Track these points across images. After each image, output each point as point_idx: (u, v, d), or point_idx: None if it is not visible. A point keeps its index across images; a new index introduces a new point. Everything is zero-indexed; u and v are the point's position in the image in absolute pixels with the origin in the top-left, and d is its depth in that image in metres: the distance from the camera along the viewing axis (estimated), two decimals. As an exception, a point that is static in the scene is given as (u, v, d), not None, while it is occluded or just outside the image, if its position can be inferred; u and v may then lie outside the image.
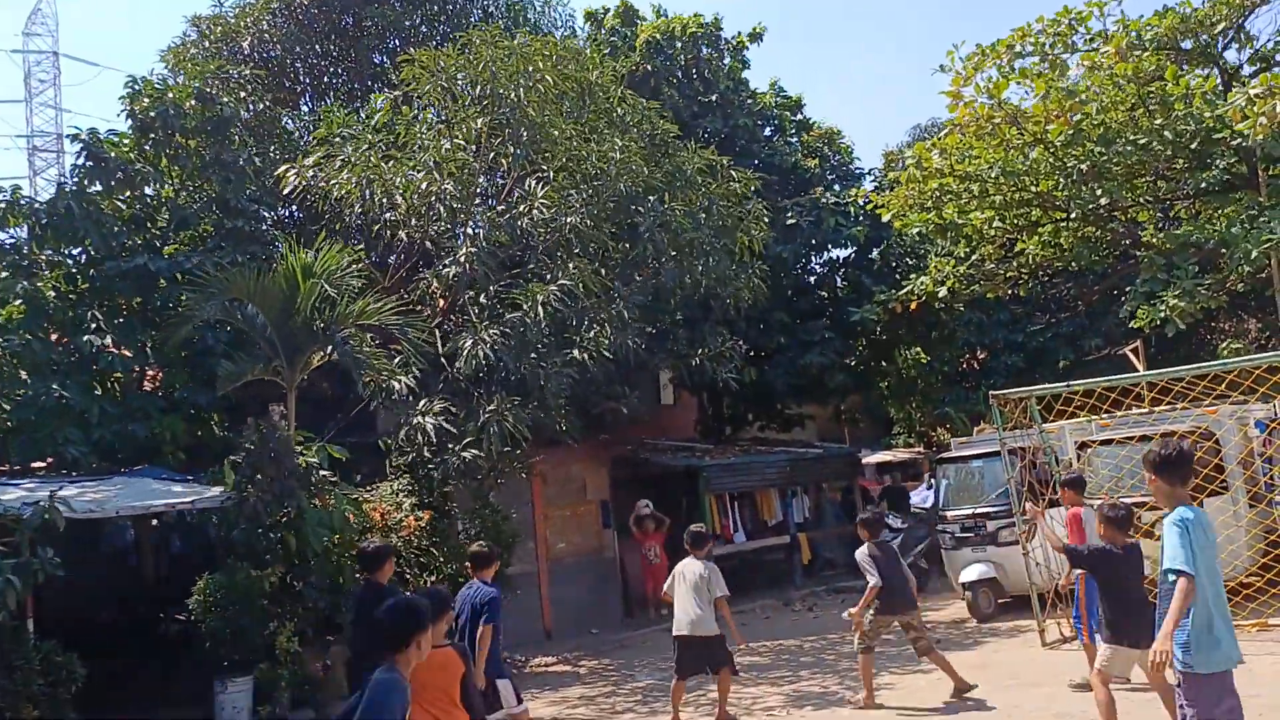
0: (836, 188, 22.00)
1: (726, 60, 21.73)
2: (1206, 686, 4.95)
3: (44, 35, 34.96)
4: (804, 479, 19.84)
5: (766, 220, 17.26)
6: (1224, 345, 18.70)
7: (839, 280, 22.39)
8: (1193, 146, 16.01)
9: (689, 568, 9.23)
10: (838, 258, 22.33)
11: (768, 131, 22.35)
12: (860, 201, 19.83)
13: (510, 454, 12.73)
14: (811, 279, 22.35)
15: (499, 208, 13.21)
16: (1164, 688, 6.52)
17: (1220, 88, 16.41)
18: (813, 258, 21.95)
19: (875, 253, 21.79)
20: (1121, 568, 7.07)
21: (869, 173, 23.05)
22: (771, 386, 20.63)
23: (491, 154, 13.04)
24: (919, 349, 23.41)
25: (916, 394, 23.97)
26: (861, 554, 9.57)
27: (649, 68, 20.30)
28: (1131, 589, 7.11)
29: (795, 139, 22.45)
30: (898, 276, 20.05)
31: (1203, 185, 16.81)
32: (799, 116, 22.76)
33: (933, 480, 17.42)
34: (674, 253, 14.62)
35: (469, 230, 12.35)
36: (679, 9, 21.94)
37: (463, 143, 13.05)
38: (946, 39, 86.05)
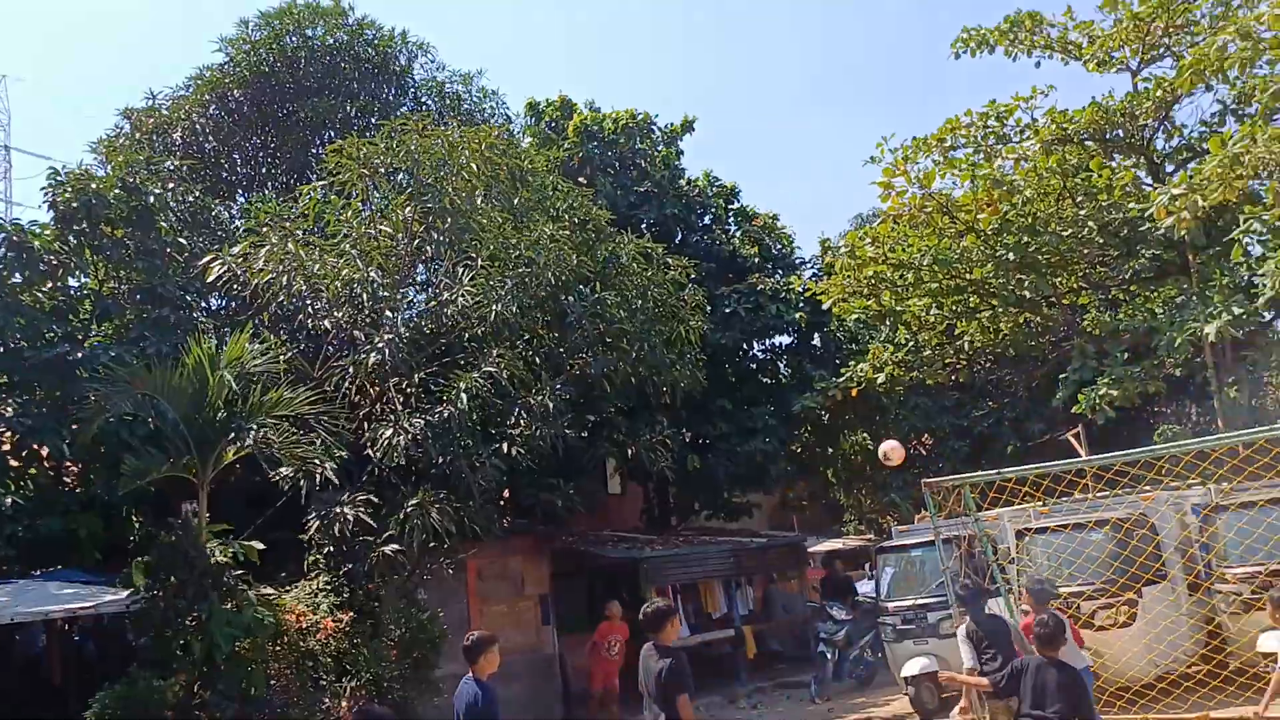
0: (777, 275, 22.09)
1: (660, 149, 21.95)
2: None
3: (-4, 128, 34.66)
4: (749, 569, 19.46)
5: (705, 308, 17.27)
6: (1160, 430, 18.73)
7: (781, 367, 22.36)
8: (1122, 234, 16.30)
9: (647, 659, 7.69)
10: (779, 344, 22.34)
11: (706, 220, 22.51)
12: (800, 288, 19.90)
13: (437, 549, 12.35)
14: (753, 366, 22.28)
15: (424, 296, 13.04)
16: None
17: (1143, 178, 16.79)
18: (754, 345, 21.94)
19: (816, 339, 21.82)
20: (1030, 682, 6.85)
21: (809, 260, 23.21)
22: (715, 475, 20.38)
23: (417, 241, 12.88)
24: (865, 435, 23.32)
25: (864, 480, 23.79)
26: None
27: (582, 155, 20.45)
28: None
29: (734, 227, 22.61)
30: (838, 363, 20.03)
31: (1134, 272, 17.07)
32: (736, 205, 22.96)
33: (873, 570, 17.16)
34: (609, 340, 14.49)
35: (391, 317, 12.13)
36: (618, 103, 22.10)
37: (390, 230, 12.91)
38: (891, 127, 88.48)
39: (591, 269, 14.38)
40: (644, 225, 20.86)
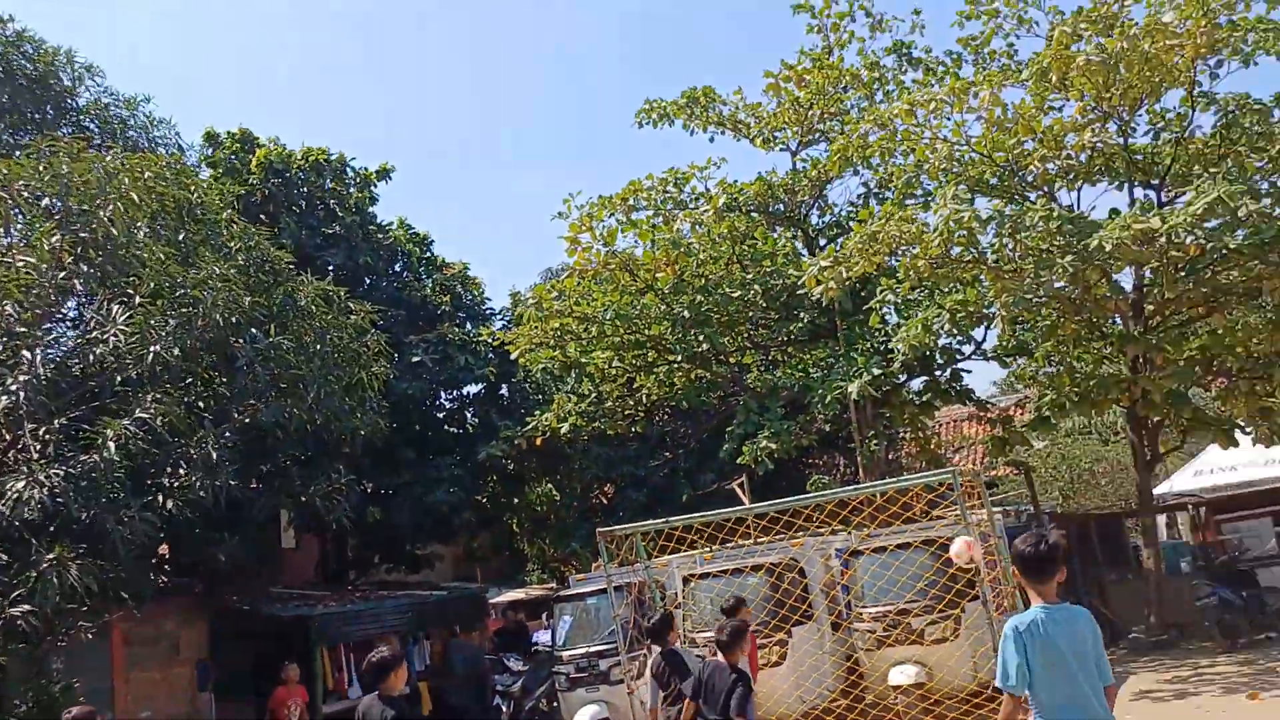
0: (468, 325, 22.07)
1: (353, 192, 21.43)
2: None
3: None
4: (428, 623, 19.04)
5: (389, 355, 16.90)
6: (812, 480, 20.38)
7: (469, 416, 22.27)
8: (782, 300, 17.69)
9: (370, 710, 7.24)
10: (467, 394, 22.25)
11: (397, 267, 22.16)
12: (489, 339, 19.99)
13: (75, 611, 11.15)
14: (440, 415, 22.04)
15: (74, 333, 11.89)
16: None
17: (801, 249, 18.39)
18: (441, 394, 21.73)
19: (505, 389, 21.95)
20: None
21: (500, 311, 23.40)
22: (397, 526, 19.88)
23: (65, 274, 11.74)
24: (550, 485, 23.65)
25: (548, 530, 24.08)
26: None
27: (266, 193, 19.58)
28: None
29: (425, 276, 22.39)
30: (524, 413, 20.24)
31: (793, 334, 18.57)
32: (428, 254, 22.76)
33: (550, 620, 17.36)
34: (283, 386, 13.81)
35: (28, 356, 10.91)
36: (309, 142, 21.34)
37: (34, 261, 11.68)
38: (584, 185, 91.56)
39: (267, 311, 13.68)
40: (330, 268, 20.20)
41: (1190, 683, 12.28)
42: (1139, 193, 15.74)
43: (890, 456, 21.68)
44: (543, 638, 18.81)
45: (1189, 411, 14.67)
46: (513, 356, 18.74)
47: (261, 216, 19.10)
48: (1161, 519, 21.29)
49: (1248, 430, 15.05)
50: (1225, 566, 15.19)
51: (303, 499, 14.96)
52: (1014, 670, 4.31)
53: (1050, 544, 4.48)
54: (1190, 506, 18.84)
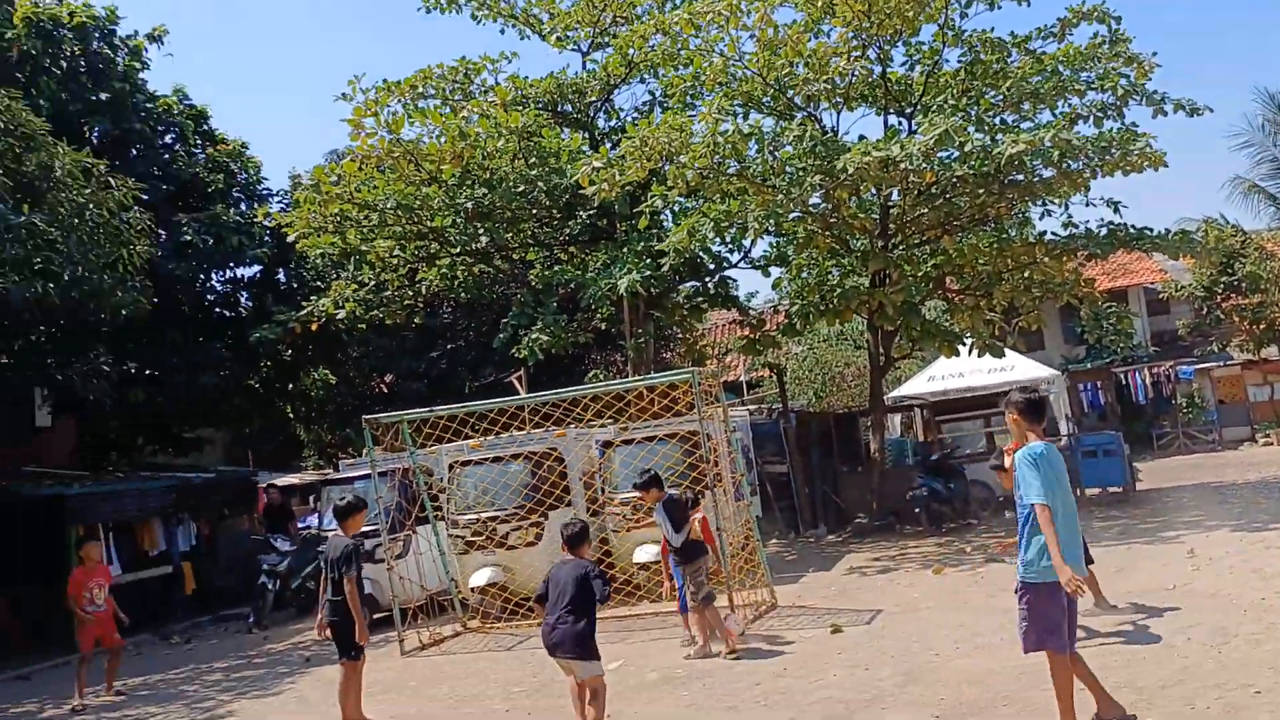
0: (243, 205, 21.44)
1: (122, 58, 20.16)
2: (1051, 594, 5.47)
3: None
4: (194, 506, 18.91)
5: (157, 233, 16.37)
6: (590, 374, 21.28)
7: (243, 300, 21.80)
8: (565, 199, 18.13)
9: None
10: (241, 277, 21.74)
11: (169, 139, 21.14)
12: (265, 221, 19.52)
13: None
14: (211, 298, 21.47)
15: None
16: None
17: (587, 151, 18.81)
18: (213, 276, 21.14)
19: (282, 274, 21.57)
20: None
21: (278, 193, 22.79)
22: (163, 409, 19.46)
23: None
24: (326, 372, 23.57)
25: (324, 417, 24.08)
26: None
27: (24, 49, 18.20)
28: None
29: (200, 151, 21.48)
30: (300, 299, 20.01)
31: (573, 233, 19.11)
32: (204, 128, 21.80)
33: (317, 503, 17.64)
34: (38, 262, 13.25)
35: None
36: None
37: None
38: (364, 67, 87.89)
39: (19, 184, 13.01)
40: (94, 137, 19.11)
41: (895, 560, 13.98)
42: (893, 119, 17.04)
43: (665, 355, 22.87)
44: (311, 520, 19.06)
45: (919, 323, 16.25)
46: (289, 239, 18.42)
47: (18, 76, 17.78)
48: (897, 418, 23.51)
49: (968, 341, 16.82)
50: (937, 462, 17.13)
51: (58, 378, 14.53)
52: (1042, 485, 5.48)
53: (1040, 395, 6.11)
54: (916, 408, 20.92)
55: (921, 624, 9.49)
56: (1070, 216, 16.71)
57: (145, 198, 16.13)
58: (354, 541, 8.37)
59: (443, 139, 17.57)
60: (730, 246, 18.91)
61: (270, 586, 15.84)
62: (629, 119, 20.37)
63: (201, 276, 20.50)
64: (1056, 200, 16.09)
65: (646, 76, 18.99)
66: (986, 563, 12.73)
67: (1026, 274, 16.59)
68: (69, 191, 13.79)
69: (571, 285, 17.17)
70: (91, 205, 13.95)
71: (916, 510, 16.26)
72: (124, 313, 14.56)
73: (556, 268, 18.22)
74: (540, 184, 17.94)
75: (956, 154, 14.05)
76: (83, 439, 20.58)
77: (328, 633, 8.34)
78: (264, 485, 20.26)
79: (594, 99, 19.68)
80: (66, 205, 13.65)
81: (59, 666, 13.82)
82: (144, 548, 17.57)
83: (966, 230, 17.02)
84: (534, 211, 18.69)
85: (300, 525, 18.96)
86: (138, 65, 20.49)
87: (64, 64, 19.27)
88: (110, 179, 14.52)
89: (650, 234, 16.62)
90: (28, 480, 16.75)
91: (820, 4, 15.08)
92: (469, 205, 17.57)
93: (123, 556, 16.88)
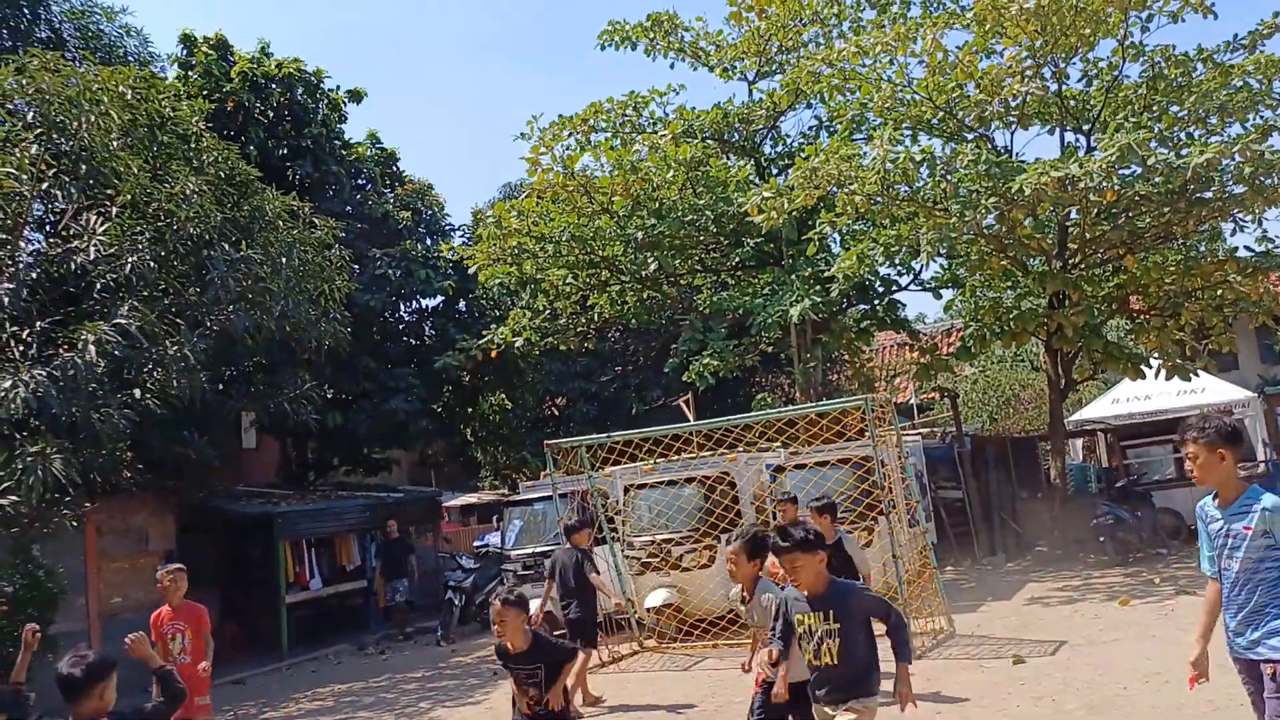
0: (428, 240, 22.71)
1: (322, 107, 21.77)
2: None
3: None
4: (385, 523, 20.04)
5: (352, 268, 17.57)
6: (758, 398, 21.43)
7: (427, 329, 23.04)
8: (732, 226, 18.47)
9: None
10: (427, 307, 23.00)
11: (361, 181, 22.64)
12: (449, 254, 20.65)
13: (56, 502, 11.96)
14: (400, 327, 22.81)
15: (52, 240, 12.45)
16: None
17: (754, 178, 19.11)
18: (401, 307, 22.46)
19: (462, 304, 22.70)
20: None
21: (459, 228, 24.01)
22: (357, 431, 20.78)
23: (45, 184, 12.26)
24: (503, 396, 24.57)
25: (500, 439, 25.07)
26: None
27: (238, 101, 19.90)
28: None
29: (389, 191, 22.92)
30: (481, 327, 21.03)
31: (740, 259, 19.41)
32: (393, 169, 23.25)
33: (499, 523, 18.42)
34: (253, 296, 14.48)
35: (9, 262, 11.52)
36: (278, 50, 21.57)
37: (14, 170, 12.18)
38: (540, 105, 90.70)
39: (236, 225, 14.27)
40: (296, 179, 20.67)
41: (1079, 590, 13.59)
42: (1070, 137, 16.66)
43: (832, 378, 22.82)
44: (492, 539, 19.90)
45: (1100, 345, 15.78)
46: (470, 271, 19.43)
47: (230, 127, 19.46)
48: (1079, 442, 22.70)
49: (1155, 362, 16.20)
50: (1123, 488, 16.50)
51: (270, 403, 15.77)
52: None
53: (1233, 427, 4.72)
54: (1100, 432, 20.17)
55: (1107, 657, 9.28)
56: (1265, 232, 15.93)
57: (343, 234, 17.39)
58: (583, 551, 9.42)
59: (614, 172, 18.25)
60: (900, 269, 18.85)
61: (456, 602, 16.64)
62: (795, 144, 20.62)
63: (392, 307, 21.82)
64: (1250, 216, 15.37)
65: (813, 102, 19.18)
66: (1176, 595, 12.26)
67: (1218, 292, 15.91)
68: (278, 232, 15.01)
69: (739, 311, 17.45)
70: (298, 244, 15.12)
71: (1101, 539, 15.71)
72: (327, 343, 15.66)
73: (724, 293, 18.57)
74: (708, 212, 18.33)
75: (1139, 170, 13.68)
76: (284, 457, 22.18)
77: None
78: (449, 504, 21.28)
79: (760, 126, 20.00)
80: (276, 244, 14.86)
81: (270, 673, 14.96)
82: (341, 563, 18.76)
83: (1150, 249, 16.42)
84: (701, 239, 19.10)
85: (478, 543, 19.81)
86: (336, 116, 22.09)
87: (272, 114, 20.97)
88: (315, 219, 15.70)
89: (819, 259, 16.75)
90: (241, 498, 18.20)
91: (990, 25, 14.95)
92: (639, 235, 18.14)
93: (322, 571, 18.10)
